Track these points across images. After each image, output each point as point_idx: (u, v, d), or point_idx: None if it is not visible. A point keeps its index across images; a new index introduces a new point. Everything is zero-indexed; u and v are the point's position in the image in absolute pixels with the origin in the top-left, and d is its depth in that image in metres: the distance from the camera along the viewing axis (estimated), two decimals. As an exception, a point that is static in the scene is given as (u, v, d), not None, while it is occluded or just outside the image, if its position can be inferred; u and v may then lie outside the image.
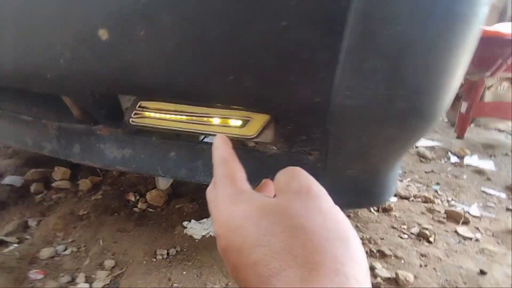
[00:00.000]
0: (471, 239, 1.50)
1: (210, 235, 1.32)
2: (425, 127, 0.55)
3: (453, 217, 1.64)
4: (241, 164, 0.31)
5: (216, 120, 0.68)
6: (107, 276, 1.06)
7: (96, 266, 1.10)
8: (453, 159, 2.44)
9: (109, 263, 1.11)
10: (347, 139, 0.54)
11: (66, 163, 1.76)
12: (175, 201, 1.55)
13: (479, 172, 2.23)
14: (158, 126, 0.73)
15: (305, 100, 0.48)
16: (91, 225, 1.32)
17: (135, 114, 0.72)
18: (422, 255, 1.36)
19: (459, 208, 1.76)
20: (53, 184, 1.59)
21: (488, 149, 2.67)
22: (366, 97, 0.46)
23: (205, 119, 0.68)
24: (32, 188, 1.52)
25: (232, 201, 0.26)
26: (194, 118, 0.69)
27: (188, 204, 1.53)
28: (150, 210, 1.47)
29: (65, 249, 1.17)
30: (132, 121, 0.73)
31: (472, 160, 2.35)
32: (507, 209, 1.81)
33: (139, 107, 0.70)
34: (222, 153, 0.32)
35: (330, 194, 0.26)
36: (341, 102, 0.46)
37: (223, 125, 0.68)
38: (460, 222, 1.61)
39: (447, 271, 1.28)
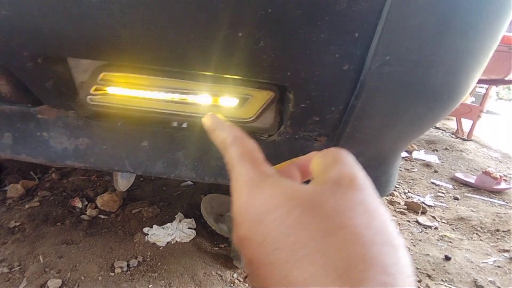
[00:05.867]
0: (431, 227, 1.58)
1: (176, 241, 1.17)
2: (448, 110, 0.51)
3: (413, 208, 1.72)
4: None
5: (204, 99, 0.56)
6: (52, 299, 0.86)
7: (37, 288, 0.89)
8: (403, 153, 2.60)
9: (53, 283, 0.90)
10: (371, 118, 0.46)
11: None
12: (132, 205, 1.36)
13: (427, 165, 2.40)
14: (127, 107, 0.59)
15: (333, 66, 0.40)
16: (26, 239, 1.08)
17: (96, 90, 0.57)
18: (392, 246, 1.38)
19: (415, 199, 1.86)
20: (-29, 192, 1.29)
21: (430, 144, 2.91)
22: (408, 64, 0.39)
23: (190, 97, 0.56)
24: None
25: (254, 186, 0.22)
26: (176, 95, 0.56)
27: (147, 208, 1.35)
28: (102, 216, 1.27)
29: (-8, 271, 0.93)
30: (91, 100, 0.58)
31: (420, 154, 2.53)
32: (455, 198, 1.96)
33: (101, 80, 0.55)
34: (230, 132, 0.27)
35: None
36: (377, 70, 0.39)
37: (214, 105, 0.57)
38: (419, 212, 1.69)
39: (416, 259, 1.31)
